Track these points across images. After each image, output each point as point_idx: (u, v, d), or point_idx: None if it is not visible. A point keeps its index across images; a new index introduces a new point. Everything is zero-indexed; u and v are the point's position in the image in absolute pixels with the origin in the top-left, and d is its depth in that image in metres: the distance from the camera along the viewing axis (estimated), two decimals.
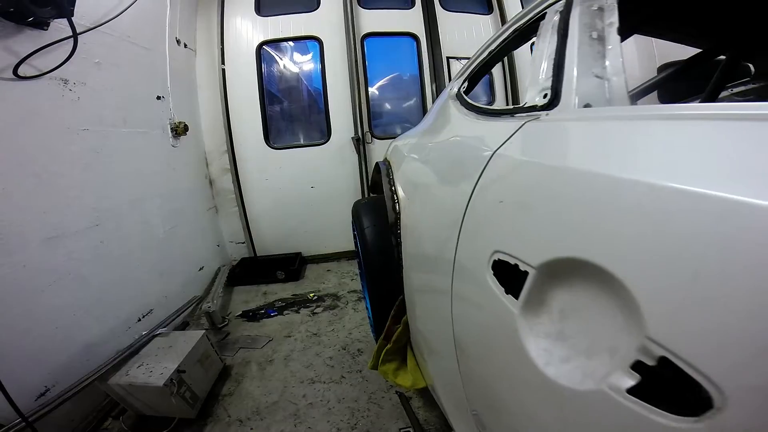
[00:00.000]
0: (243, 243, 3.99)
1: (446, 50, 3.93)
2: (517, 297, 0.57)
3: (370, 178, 3.17)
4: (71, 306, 1.86)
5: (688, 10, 0.86)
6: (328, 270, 3.85)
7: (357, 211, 1.70)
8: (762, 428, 0.32)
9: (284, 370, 2.22)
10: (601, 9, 0.67)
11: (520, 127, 0.72)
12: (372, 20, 3.94)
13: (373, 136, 3.94)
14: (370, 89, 4.02)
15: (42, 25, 1.80)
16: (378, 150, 3.91)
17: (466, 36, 4.07)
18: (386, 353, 1.50)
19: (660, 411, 0.39)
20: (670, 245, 0.39)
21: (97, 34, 2.16)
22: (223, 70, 3.71)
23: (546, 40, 0.76)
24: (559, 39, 0.71)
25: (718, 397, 0.34)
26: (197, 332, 2.07)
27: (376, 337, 1.62)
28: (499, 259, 0.62)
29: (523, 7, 2.09)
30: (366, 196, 3.93)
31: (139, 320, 2.30)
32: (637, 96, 1.16)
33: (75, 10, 1.85)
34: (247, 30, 3.83)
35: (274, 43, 3.91)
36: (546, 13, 0.84)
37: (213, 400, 2.00)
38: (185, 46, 3.42)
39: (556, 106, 0.69)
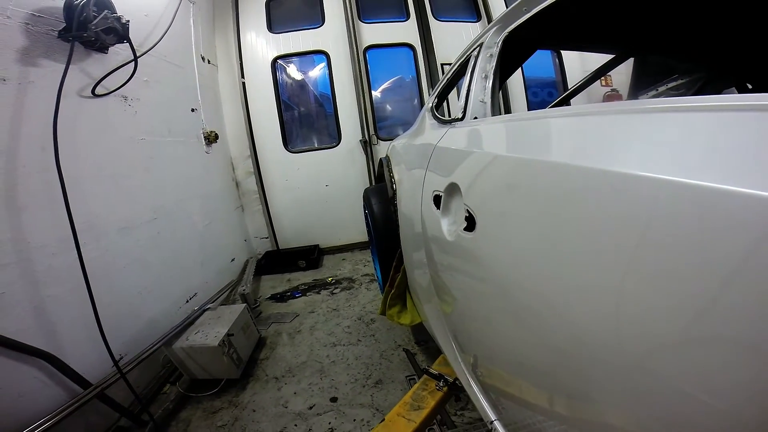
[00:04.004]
0: (266, 238, 4.42)
1: (440, 57, 4.32)
2: (439, 209, 1.06)
3: (376, 171, 3.61)
4: (138, 286, 2.25)
5: (577, 28, 1.21)
6: (343, 259, 4.26)
7: (367, 194, 2.20)
8: (489, 239, 0.78)
9: (310, 337, 2.62)
10: (491, 56, 1.09)
11: (446, 131, 1.23)
12: (372, 33, 4.36)
13: (378, 138, 4.36)
14: (374, 96, 4.43)
15: (104, 49, 2.18)
16: (384, 150, 4.30)
17: (458, 43, 4.40)
18: (390, 298, 1.92)
19: (463, 231, 0.88)
20: (470, 175, 0.91)
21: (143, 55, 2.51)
22: (243, 83, 4.16)
23: (467, 76, 1.21)
24: (470, 76, 1.15)
25: (476, 220, 0.81)
26: (239, 306, 2.48)
27: (383, 288, 2.05)
28: (435, 195, 1.12)
29: None
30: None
31: (187, 301, 2.71)
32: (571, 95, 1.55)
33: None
34: (262, 46, 4.28)
35: (287, 57, 4.35)
36: (470, 56, 1.28)
37: (252, 364, 2.39)
38: (209, 62, 3.86)
39: (463, 119, 1.17)
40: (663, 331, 0.40)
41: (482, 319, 0.91)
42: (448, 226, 1.00)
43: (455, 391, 1.36)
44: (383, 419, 1.30)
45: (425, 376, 1.43)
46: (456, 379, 1.33)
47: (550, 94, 4.82)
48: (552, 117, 0.72)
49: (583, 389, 0.56)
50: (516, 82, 4.58)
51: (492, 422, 0.99)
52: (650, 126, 0.49)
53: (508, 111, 4.34)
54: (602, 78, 4.47)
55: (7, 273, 1.53)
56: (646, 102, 0.53)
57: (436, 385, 1.37)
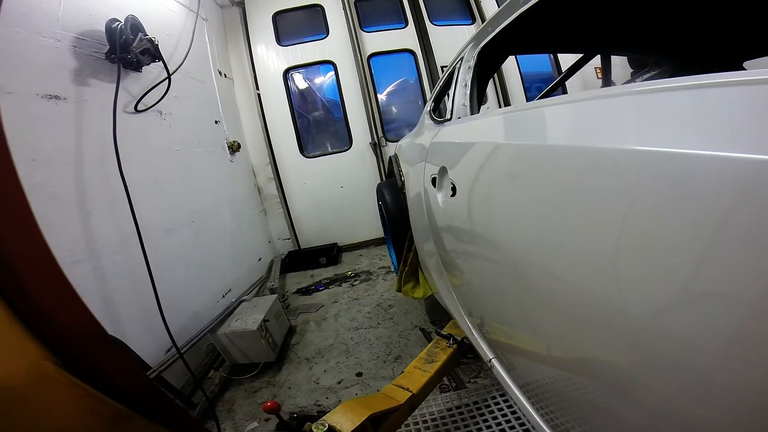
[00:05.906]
0: (288, 239, 4.71)
1: (439, 60, 4.54)
2: (435, 187, 1.32)
3: (386, 169, 3.89)
4: (183, 281, 2.51)
5: (536, 37, 1.42)
6: (361, 255, 4.52)
7: (380, 188, 2.50)
8: (465, 199, 1.02)
9: (335, 323, 2.86)
10: (469, 67, 1.33)
11: (439, 130, 1.48)
12: (374, 41, 4.61)
13: (387, 140, 4.61)
14: (380, 99, 4.69)
15: (139, 68, 2.38)
16: (392, 150, 4.52)
17: (455, 45, 4.54)
18: (405, 275, 2.17)
19: (450, 198, 1.14)
20: (452, 157, 1.19)
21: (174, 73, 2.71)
22: (259, 94, 4.45)
23: (452, 84, 1.48)
24: (454, 85, 1.41)
25: (457, 187, 1.08)
26: (271, 296, 2.74)
27: (397, 268, 2.30)
28: (432, 178, 1.37)
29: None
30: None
31: (223, 296, 2.97)
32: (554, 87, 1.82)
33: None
34: (273, 59, 4.56)
35: (297, 68, 4.62)
36: (455, 68, 1.55)
37: (285, 349, 2.63)
38: (225, 76, 4.14)
39: (451, 119, 1.42)
40: (638, 279, 0.46)
41: (477, 274, 1.15)
42: (442, 197, 1.25)
43: (463, 347, 1.59)
44: (403, 372, 1.53)
45: (437, 337, 1.67)
46: (464, 337, 1.56)
47: None
48: (511, 112, 0.96)
49: (553, 327, 0.71)
50: (515, 81, 4.79)
51: (491, 360, 1.22)
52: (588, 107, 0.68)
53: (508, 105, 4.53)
54: (598, 71, 4.63)
55: (81, 268, 1.80)
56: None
57: (447, 343, 1.60)
